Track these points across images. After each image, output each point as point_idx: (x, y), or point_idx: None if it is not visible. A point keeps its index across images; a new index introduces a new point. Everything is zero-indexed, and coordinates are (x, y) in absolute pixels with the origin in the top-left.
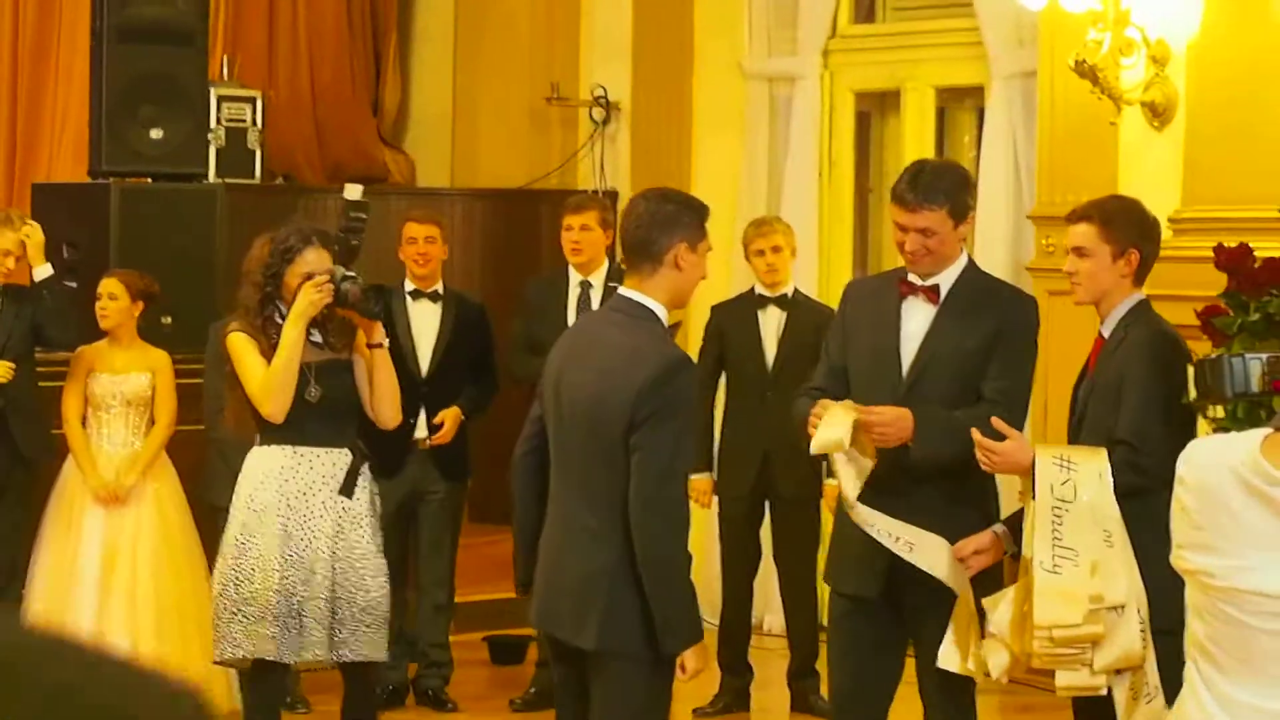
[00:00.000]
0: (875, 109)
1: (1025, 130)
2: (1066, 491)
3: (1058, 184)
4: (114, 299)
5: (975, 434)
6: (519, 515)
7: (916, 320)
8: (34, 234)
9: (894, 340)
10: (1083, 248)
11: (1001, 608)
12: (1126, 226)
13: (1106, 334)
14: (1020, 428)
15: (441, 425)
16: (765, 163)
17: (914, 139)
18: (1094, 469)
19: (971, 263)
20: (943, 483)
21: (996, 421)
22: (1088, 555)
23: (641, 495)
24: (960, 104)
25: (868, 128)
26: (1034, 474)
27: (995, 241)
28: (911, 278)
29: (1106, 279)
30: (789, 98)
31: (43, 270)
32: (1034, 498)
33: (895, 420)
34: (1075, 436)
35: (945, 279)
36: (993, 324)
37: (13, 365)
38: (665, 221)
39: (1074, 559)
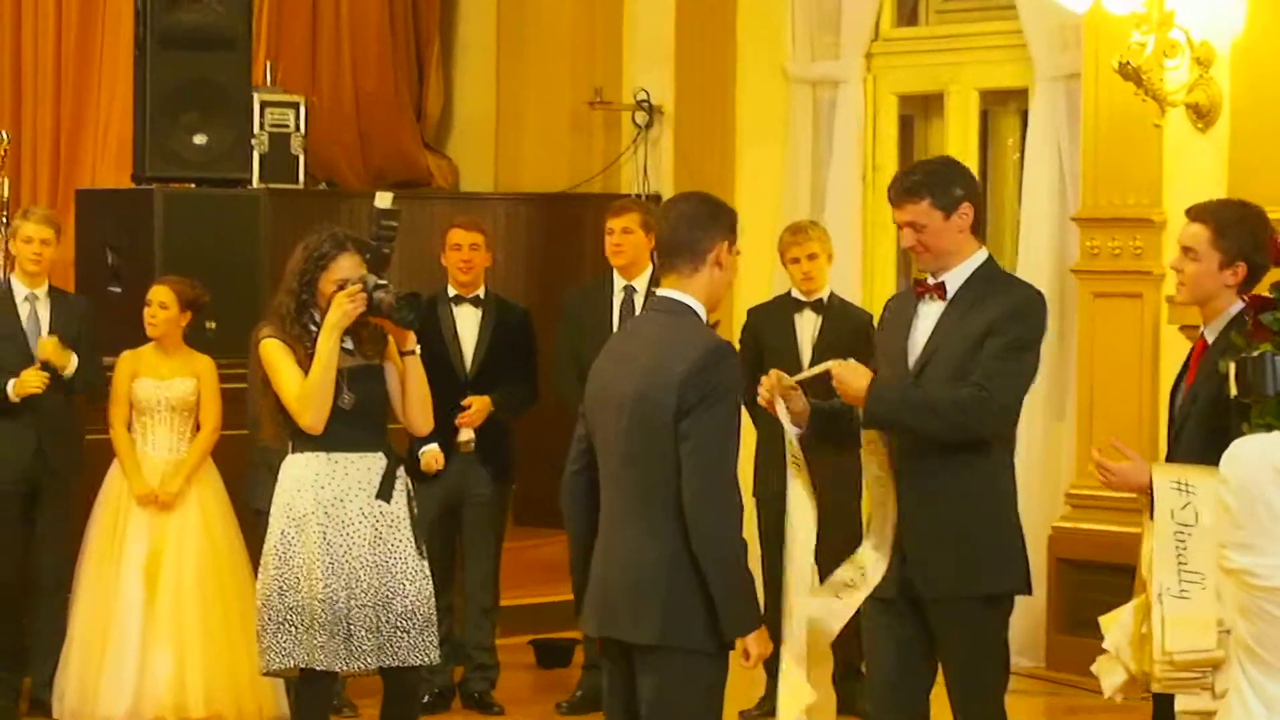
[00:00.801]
0: (919, 112)
1: (1069, 133)
2: (1188, 516)
3: (1102, 186)
4: (164, 308)
5: (1093, 453)
6: (573, 535)
7: (928, 319)
8: (48, 345)
9: (905, 342)
10: (1192, 249)
11: (1116, 627)
12: (1240, 238)
13: (1210, 339)
14: (1011, 412)
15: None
16: (808, 166)
17: (957, 142)
18: (1213, 491)
19: (989, 261)
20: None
21: (1116, 442)
22: (1211, 578)
23: (694, 483)
24: (1004, 107)
25: (911, 131)
26: (1152, 496)
27: (1039, 244)
28: (923, 278)
29: (1210, 285)
30: (832, 101)
31: (72, 362)
32: (1151, 518)
33: (853, 371)
34: (1175, 446)
35: (954, 277)
36: (992, 313)
37: (47, 376)
38: (707, 221)
39: (1200, 583)
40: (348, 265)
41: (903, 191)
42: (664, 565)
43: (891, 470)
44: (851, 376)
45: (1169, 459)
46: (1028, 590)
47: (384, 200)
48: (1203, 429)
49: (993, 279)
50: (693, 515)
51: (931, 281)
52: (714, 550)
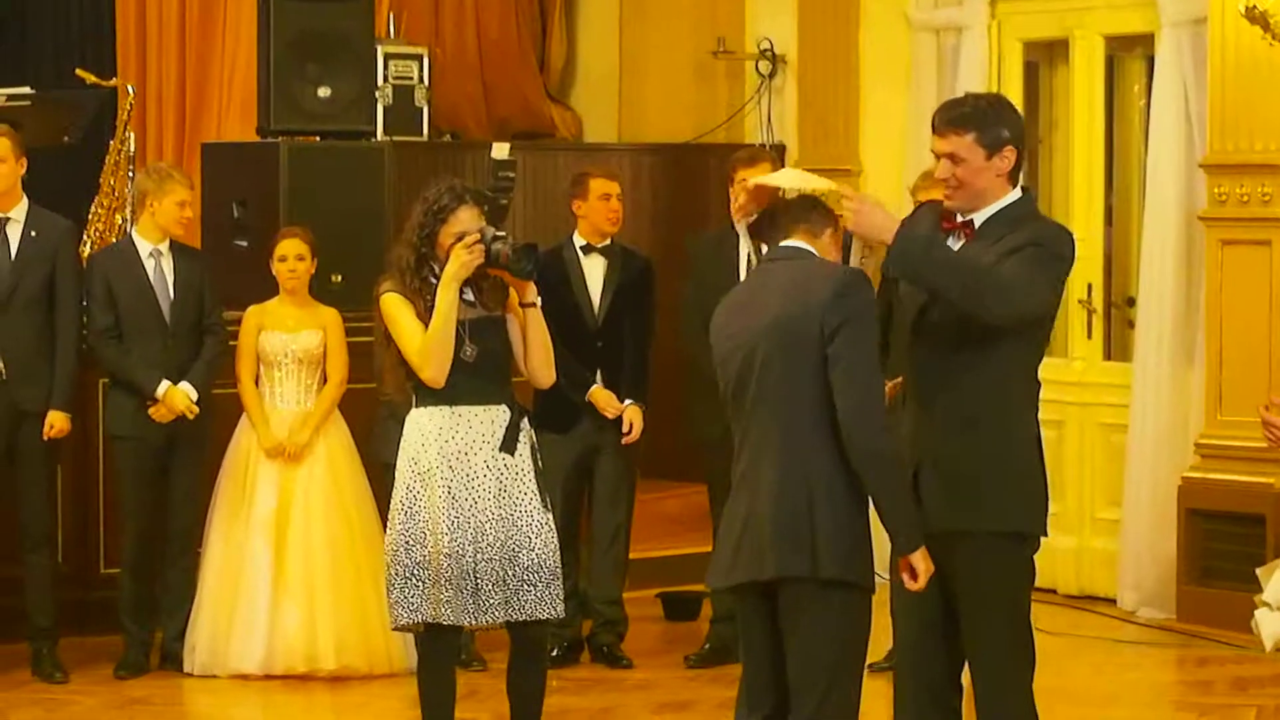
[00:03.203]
0: (1043, 58)
1: (1195, 78)
2: None
3: (1229, 132)
4: (302, 260)
5: (1262, 412)
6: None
7: None
8: (176, 396)
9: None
10: None
11: (1277, 578)
12: None
13: None
14: (1028, 306)
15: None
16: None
17: (1083, 88)
18: None
19: (1023, 199)
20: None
21: (1277, 398)
22: None
23: (852, 401)
24: (1129, 52)
25: (1036, 78)
26: None
27: (1166, 191)
28: (952, 213)
29: None
30: (956, 48)
31: (189, 389)
32: None
33: (867, 205)
34: None
35: (982, 215)
36: (1012, 243)
37: (196, 403)
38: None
39: None
40: (466, 217)
41: (948, 121)
42: (813, 496)
43: None
44: (878, 214)
45: None
46: (1040, 531)
47: (501, 151)
48: None
49: (1022, 217)
50: (852, 432)
51: (960, 219)
52: (877, 464)
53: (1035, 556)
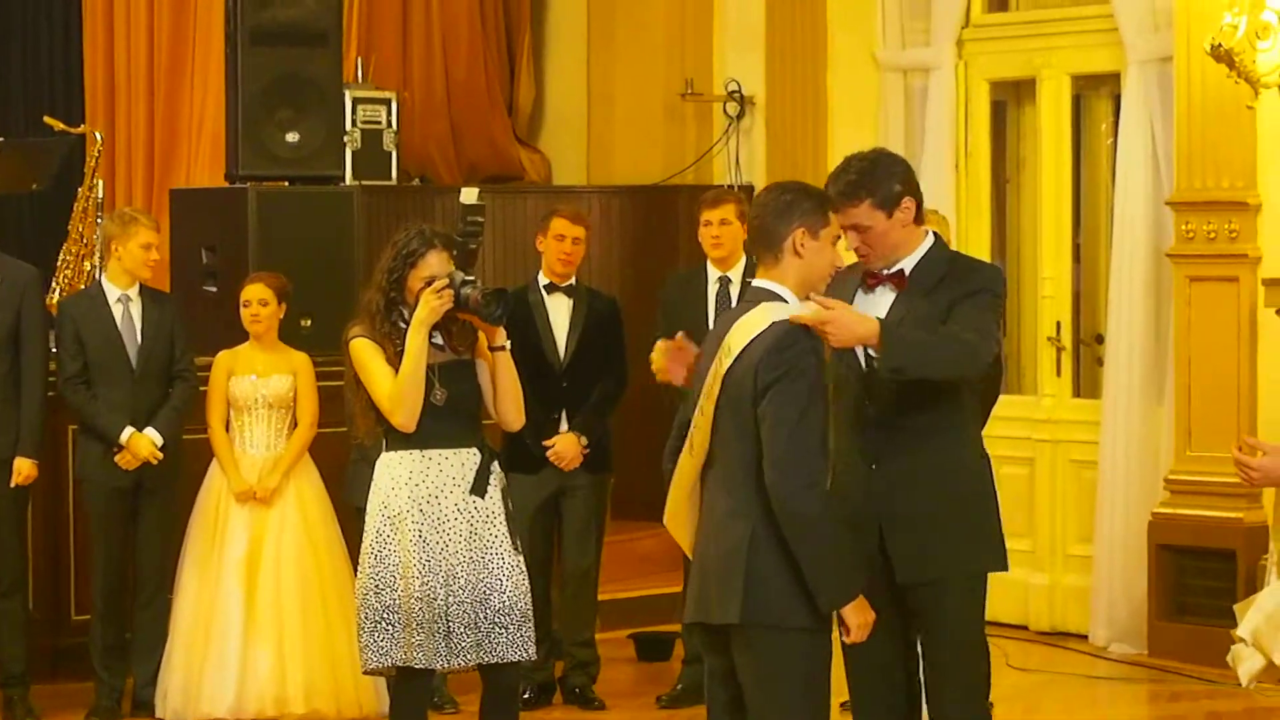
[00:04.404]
0: (1011, 98)
1: (1162, 116)
2: None
3: (1196, 169)
4: (265, 304)
5: (1235, 453)
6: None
7: (876, 308)
8: (140, 443)
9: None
10: None
11: (1254, 613)
12: None
13: None
14: (993, 355)
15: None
16: (901, 154)
17: (1050, 127)
18: None
19: (937, 243)
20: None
21: (1249, 438)
22: None
23: (773, 457)
24: (1096, 91)
25: (1004, 117)
26: None
27: (1134, 228)
28: (876, 270)
29: None
30: (924, 88)
31: (155, 435)
32: None
33: (853, 312)
34: None
35: (909, 263)
36: (954, 293)
37: (160, 449)
38: (782, 210)
39: None
40: (435, 262)
41: (840, 194)
42: (745, 545)
43: None
44: (852, 317)
45: None
46: (1001, 567)
47: (469, 196)
48: None
49: (952, 260)
50: (774, 488)
51: (887, 272)
52: (798, 524)
53: (1007, 593)
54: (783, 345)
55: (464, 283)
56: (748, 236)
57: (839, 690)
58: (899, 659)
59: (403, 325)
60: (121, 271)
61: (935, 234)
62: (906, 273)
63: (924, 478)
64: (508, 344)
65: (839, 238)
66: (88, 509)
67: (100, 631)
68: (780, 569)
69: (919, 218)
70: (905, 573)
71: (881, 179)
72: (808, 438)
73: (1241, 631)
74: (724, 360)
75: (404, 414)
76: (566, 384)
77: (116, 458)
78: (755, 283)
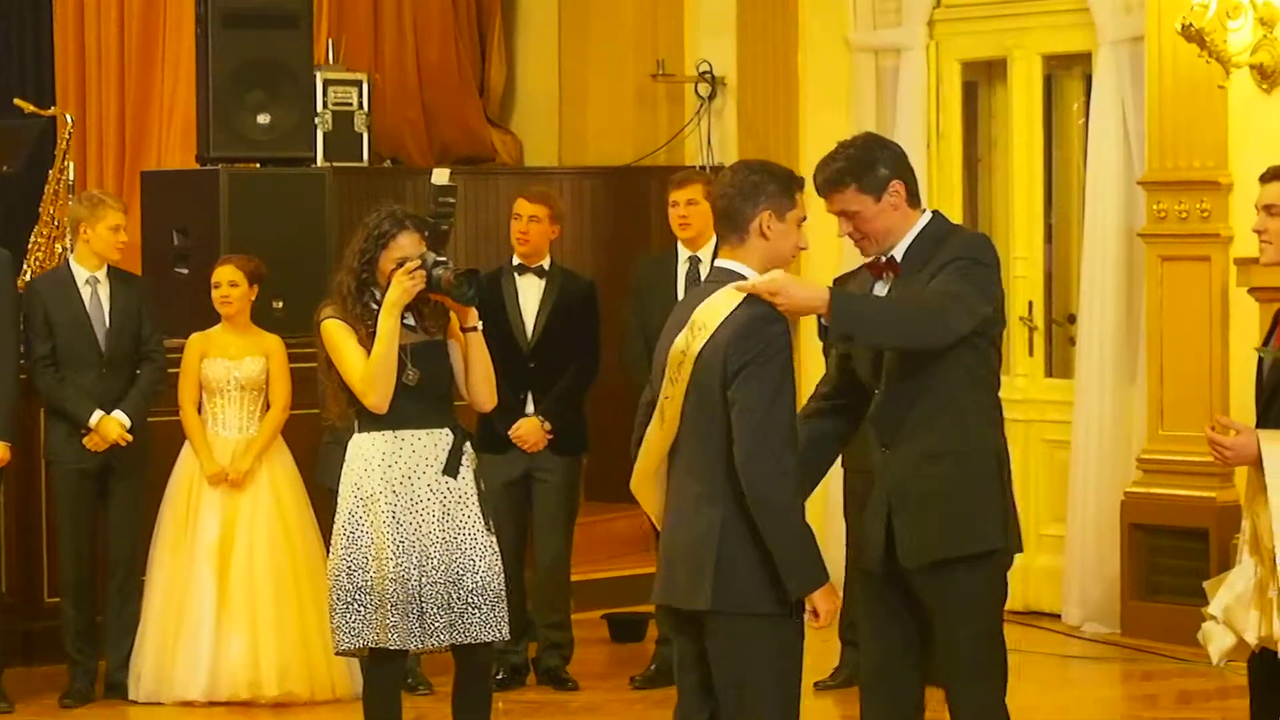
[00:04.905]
0: (982, 78)
1: (1134, 96)
2: None
3: (1168, 149)
4: (235, 286)
5: (1208, 433)
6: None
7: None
8: (109, 425)
9: None
10: (1274, 205)
11: (1224, 591)
12: None
13: None
14: (976, 312)
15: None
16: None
17: (1021, 108)
18: None
19: (934, 219)
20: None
21: (1222, 418)
22: None
23: (744, 444)
24: (1067, 71)
25: (975, 98)
26: (1262, 463)
27: (1106, 209)
28: (874, 258)
29: None
30: (895, 69)
31: (122, 418)
32: (1264, 488)
33: (785, 289)
34: (1267, 413)
35: (900, 248)
36: (934, 266)
37: (129, 431)
38: (748, 191)
39: None
40: (407, 243)
41: (827, 182)
42: (715, 531)
43: None
44: (799, 286)
45: (1259, 426)
46: (1008, 545)
47: (441, 177)
48: None
49: (939, 236)
50: (744, 475)
51: (883, 260)
52: (766, 511)
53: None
54: (751, 330)
55: (436, 263)
56: (714, 216)
57: (809, 674)
58: (907, 649)
59: (374, 306)
60: (90, 254)
61: (935, 213)
62: (899, 259)
63: (929, 459)
64: (480, 325)
65: (804, 219)
66: (56, 490)
67: (72, 615)
68: (750, 555)
69: (913, 200)
70: (907, 555)
71: (867, 164)
72: (778, 424)
73: (1213, 609)
74: (698, 336)
75: (377, 395)
76: (534, 365)
77: (85, 440)
78: (718, 263)
